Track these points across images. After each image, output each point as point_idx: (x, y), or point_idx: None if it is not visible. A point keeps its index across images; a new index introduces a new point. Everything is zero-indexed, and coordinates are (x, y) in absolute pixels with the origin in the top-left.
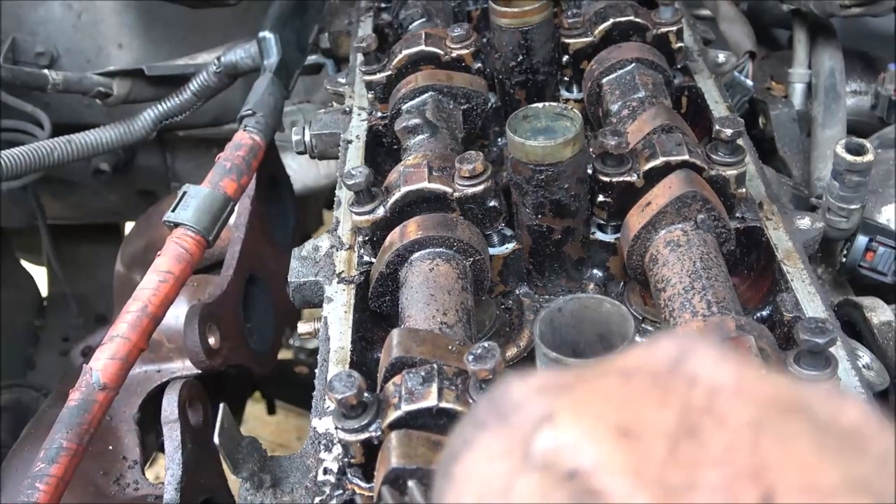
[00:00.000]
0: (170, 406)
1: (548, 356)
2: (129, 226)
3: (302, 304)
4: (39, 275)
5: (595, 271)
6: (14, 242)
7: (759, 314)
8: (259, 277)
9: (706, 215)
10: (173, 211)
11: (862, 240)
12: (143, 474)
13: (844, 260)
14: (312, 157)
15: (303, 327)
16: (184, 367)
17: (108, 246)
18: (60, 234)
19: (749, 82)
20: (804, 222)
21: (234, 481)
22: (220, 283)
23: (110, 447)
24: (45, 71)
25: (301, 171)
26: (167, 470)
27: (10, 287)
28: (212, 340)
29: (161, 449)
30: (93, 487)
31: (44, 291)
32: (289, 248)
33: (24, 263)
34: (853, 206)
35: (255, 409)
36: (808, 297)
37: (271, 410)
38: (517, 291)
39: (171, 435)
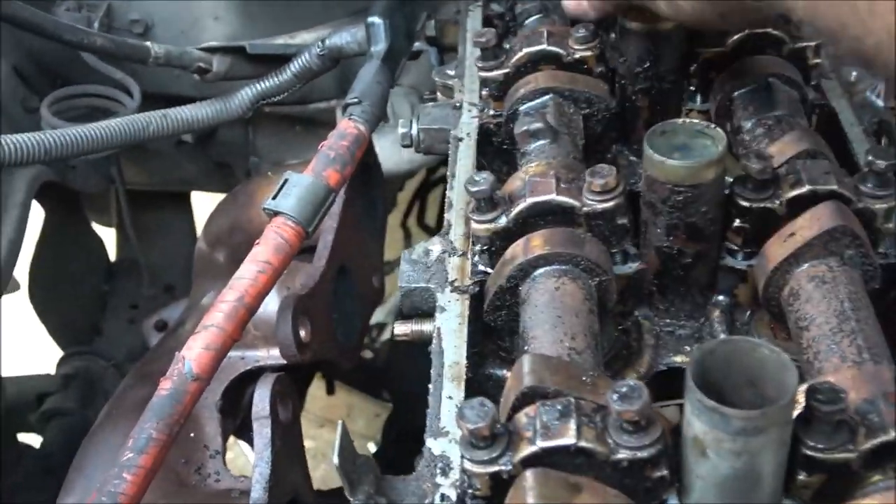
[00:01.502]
0: (262, 402)
1: (703, 404)
2: (196, 196)
3: (411, 311)
4: (108, 237)
5: (721, 298)
6: (86, 204)
7: None
8: (348, 268)
9: (855, 251)
10: (274, 199)
11: None
12: (224, 465)
13: None
14: (418, 151)
15: (400, 328)
16: (268, 355)
17: (176, 214)
18: (131, 199)
19: (881, 103)
20: None
21: (317, 480)
22: (313, 275)
23: (192, 434)
24: (147, 43)
25: (383, 155)
26: (255, 467)
27: (80, 250)
28: (303, 333)
29: (236, 435)
30: (174, 475)
31: (111, 256)
32: (376, 237)
33: (93, 226)
34: None
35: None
36: None
37: (331, 391)
38: (636, 313)
39: (262, 432)
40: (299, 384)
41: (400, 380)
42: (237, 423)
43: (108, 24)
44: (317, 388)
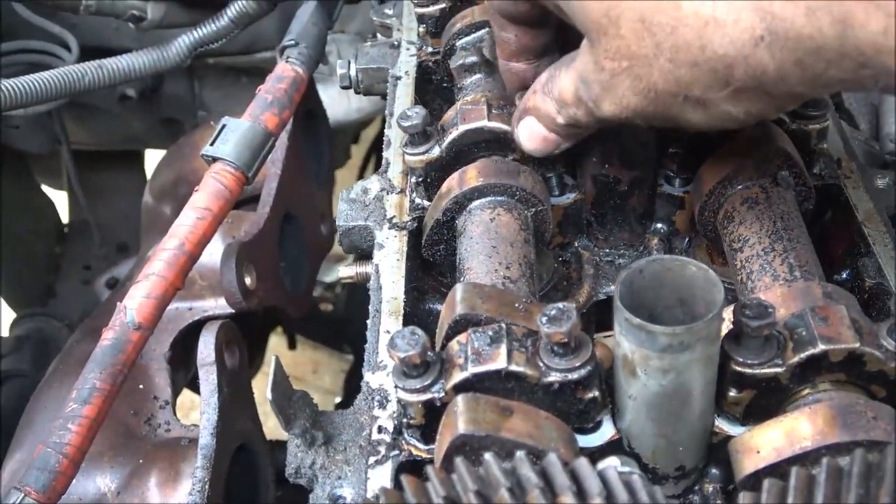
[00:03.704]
0: (206, 348)
1: (630, 322)
2: (150, 154)
3: (350, 249)
4: (59, 200)
5: (659, 225)
6: (34, 167)
7: (835, 278)
8: (294, 216)
9: (787, 172)
10: (212, 144)
11: None
12: (175, 415)
13: None
14: (357, 92)
15: (344, 271)
16: (216, 305)
17: (128, 174)
18: (81, 160)
19: None
20: (885, 182)
21: (268, 428)
22: (257, 221)
23: (140, 386)
24: None
25: (332, 105)
26: (202, 414)
27: (30, 213)
28: (248, 280)
29: (189, 386)
30: (123, 427)
31: (64, 218)
32: (323, 185)
33: (44, 189)
34: None
35: (271, 341)
36: (892, 263)
37: (292, 345)
38: (576, 244)
39: (208, 378)
40: (255, 336)
41: (359, 331)
42: (189, 375)
43: None
44: (281, 345)
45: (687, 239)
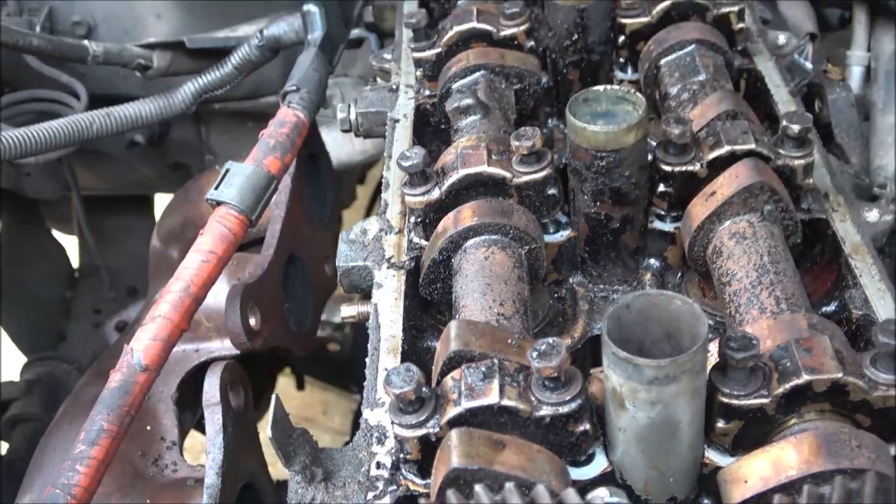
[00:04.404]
0: (211, 389)
1: (617, 356)
2: (159, 198)
3: (350, 289)
4: (70, 245)
5: (652, 261)
6: (45, 213)
7: (824, 309)
8: (298, 257)
9: (773, 207)
10: (216, 188)
11: None
12: (182, 455)
13: None
14: (357, 136)
15: (346, 310)
16: (222, 346)
17: (139, 218)
18: (91, 205)
19: (809, 65)
20: (872, 215)
21: (274, 467)
22: (261, 263)
23: (148, 427)
24: (85, 42)
25: (336, 147)
26: (208, 454)
27: (41, 258)
28: (252, 321)
29: (197, 428)
30: (130, 468)
31: (75, 263)
32: (327, 226)
33: (55, 234)
34: None
35: (281, 382)
36: (879, 295)
37: (300, 386)
38: (571, 280)
39: (213, 418)
40: (263, 377)
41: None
42: (197, 416)
43: (51, 27)
44: (290, 386)
45: (679, 274)
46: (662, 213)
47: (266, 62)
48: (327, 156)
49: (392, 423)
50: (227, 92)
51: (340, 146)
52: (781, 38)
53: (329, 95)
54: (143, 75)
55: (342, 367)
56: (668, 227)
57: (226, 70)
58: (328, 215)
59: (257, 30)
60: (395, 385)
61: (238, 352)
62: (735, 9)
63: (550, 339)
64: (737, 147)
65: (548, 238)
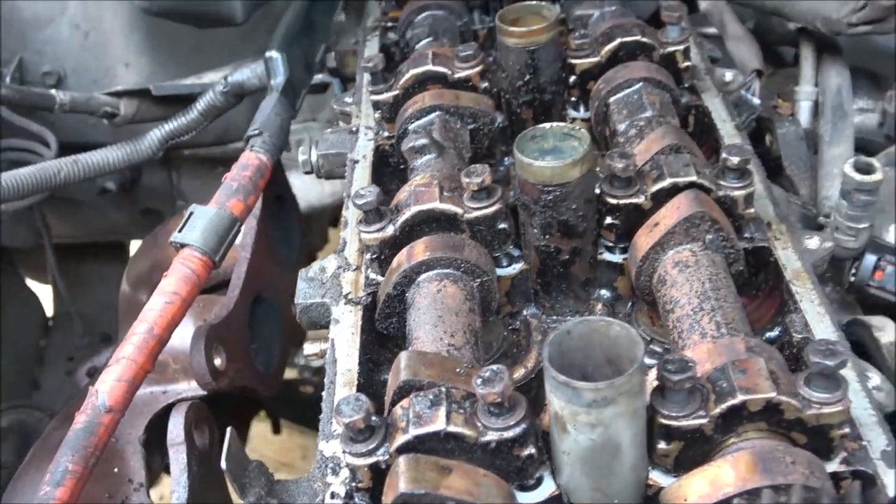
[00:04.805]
0: (176, 429)
1: (556, 380)
2: (134, 245)
3: (309, 326)
4: (44, 294)
5: (603, 291)
6: (19, 261)
7: (767, 335)
8: (265, 297)
9: (714, 236)
10: (180, 231)
11: (870, 259)
12: (149, 497)
13: (853, 279)
14: (319, 177)
15: (309, 348)
16: (189, 388)
17: (113, 265)
18: (65, 253)
19: (756, 100)
20: (813, 242)
21: None
22: (227, 304)
23: (115, 469)
24: (52, 91)
25: (306, 190)
26: (173, 493)
27: (14, 306)
28: (218, 362)
29: (166, 470)
30: None
31: (49, 311)
32: (294, 267)
33: (28, 282)
34: (861, 226)
35: (259, 427)
36: (818, 318)
37: (276, 430)
38: (525, 312)
39: (178, 458)
40: (235, 420)
41: None
42: (165, 458)
43: (21, 77)
44: (268, 430)
45: (629, 303)
46: (611, 244)
47: (231, 108)
48: (293, 198)
49: (343, 451)
50: (195, 137)
51: (310, 189)
52: (728, 75)
53: (299, 139)
54: (111, 123)
55: (316, 409)
56: (616, 258)
57: (192, 116)
58: (296, 256)
59: (222, 76)
60: (345, 414)
61: (205, 392)
62: (680, 48)
63: (494, 367)
64: (679, 179)
65: (501, 271)
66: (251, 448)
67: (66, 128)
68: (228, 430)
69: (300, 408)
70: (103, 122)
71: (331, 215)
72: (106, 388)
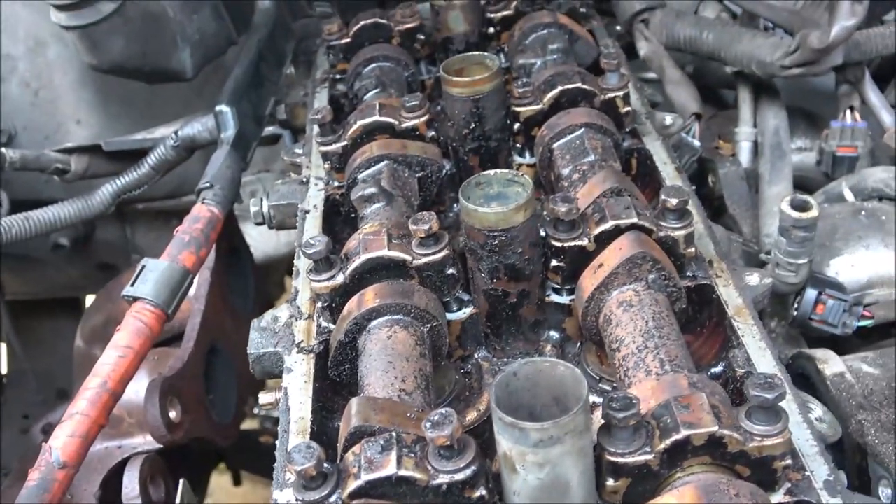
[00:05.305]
0: (130, 483)
1: (503, 421)
2: (89, 299)
3: (262, 375)
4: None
5: (552, 333)
6: None
7: (712, 370)
8: (220, 348)
9: (657, 275)
10: (132, 285)
11: (811, 293)
12: None
13: (796, 313)
14: (271, 228)
15: (264, 398)
16: (145, 441)
17: (68, 320)
18: (20, 309)
19: (696, 142)
20: (753, 278)
21: None
22: (181, 356)
23: None
24: (2, 150)
25: (262, 240)
26: None
27: None
28: (173, 414)
29: None
30: None
31: (3, 368)
32: (250, 317)
33: None
34: (801, 261)
35: (221, 480)
36: (759, 353)
37: (237, 482)
38: (476, 355)
39: None
40: (195, 472)
41: None
42: None
43: None
44: (230, 483)
45: (578, 344)
46: (557, 286)
47: (182, 161)
48: (248, 248)
49: (297, 499)
50: (149, 191)
51: (266, 239)
52: (668, 118)
53: (252, 190)
54: (62, 179)
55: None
56: (564, 299)
57: (143, 170)
58: (251, 306)
59: (173, 131)
60: (296, 462)
61: (161, 446)
62: (620, 94)
63: (443, 410)
64: (620, 221)
65: (451, 316)
66: (213, 501)
67: (18, 184)
68: (181, 482)
69: (261, 458)
70: (55, 179)
71: (287, 265)
72: (59, 444)
